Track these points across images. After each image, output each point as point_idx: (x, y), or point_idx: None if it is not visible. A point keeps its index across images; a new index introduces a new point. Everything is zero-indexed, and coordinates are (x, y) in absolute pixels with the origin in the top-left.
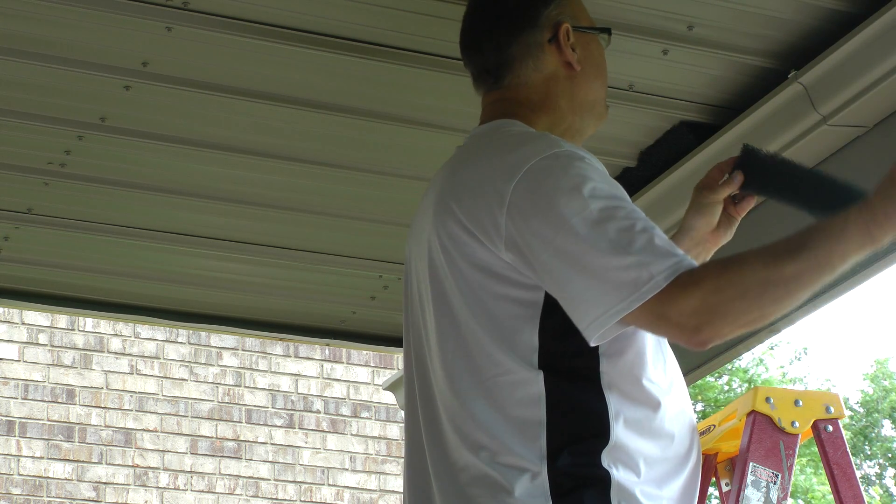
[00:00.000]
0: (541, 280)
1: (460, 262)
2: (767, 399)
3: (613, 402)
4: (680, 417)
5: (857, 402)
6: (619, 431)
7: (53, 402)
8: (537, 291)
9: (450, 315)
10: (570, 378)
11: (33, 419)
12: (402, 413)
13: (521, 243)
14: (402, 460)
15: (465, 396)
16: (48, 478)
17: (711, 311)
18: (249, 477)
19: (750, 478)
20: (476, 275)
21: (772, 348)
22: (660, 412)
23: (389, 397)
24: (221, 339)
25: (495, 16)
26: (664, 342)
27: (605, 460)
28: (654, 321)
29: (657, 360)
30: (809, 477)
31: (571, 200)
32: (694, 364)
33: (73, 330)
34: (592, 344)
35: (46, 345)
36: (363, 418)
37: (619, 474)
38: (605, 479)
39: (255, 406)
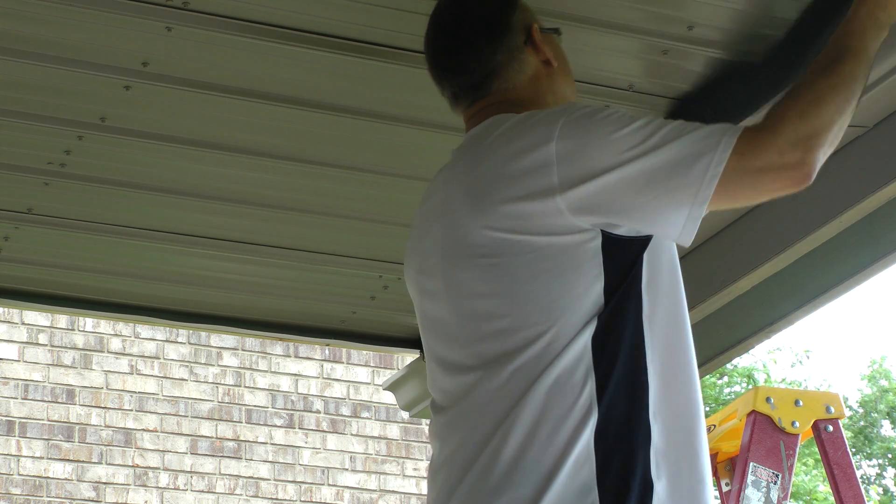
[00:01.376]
0: (619, 216)
1: (521, 238)
2: (768, 399)
3: (650, 355)
4: (695, 400)
5: (857, 402)
6: (654, 385)
7: (53, 402)
8: (594, 239)
9: (492, 298)
10: (620, 327)
11: (33, 419)
12: (402, 413)
13: (582, 191)
14: (430, 462)
15: (502, 378)
16: (48, 478)
17: (806, 136)
18: (249, 477)
19: (750, 478)
20: (538, 241)
21: (772, 351)
22: (683, 384)
23: (389, 397)
24: (221, 339)
25: (470, 32)
26: (687, 326)
27: (651, 413)
28: (758, 175)
29: (685, 331)
30: (815, 478)
31: (619, 129)
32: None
33: (73, 330)
34: (690, 237)
35: (46, 345)
36: (363, 418)
37: (657, 434)
38: (648, 435)
39: (255, 406)
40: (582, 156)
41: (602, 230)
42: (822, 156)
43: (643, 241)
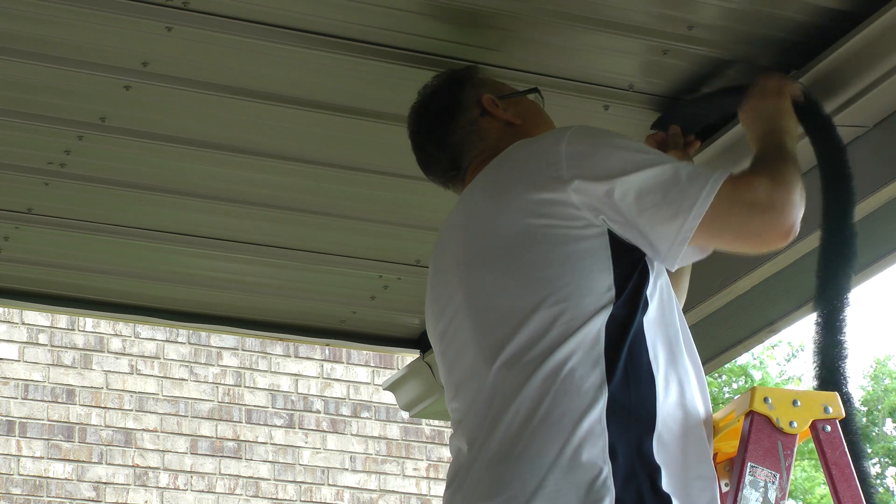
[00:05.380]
0: (619, 223)
1: (540, 228)
2: (766, 399)
3: (651, 350)
4: (690, 402)
5: (859, 401)
6: (659, 379)
7: (53, 402)
8: (602, 235)
9: (513, 288)
10: (629, 319)
11: (33, 419)
12: (402, 413)
13: (588, 189)
14: (449, 468)
15: (514, 364)
16: (48, 478)
17: (785, 183)
18: (249, 477)
19: (748, 478)
20: (555, 231)
21: (772, 348)
22: (683, 382)
23: (389, 397)
24: (221, 339)
25: (430, 124)
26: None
27: (657, 403)
28: (747, 208)
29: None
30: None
31: (623, 141)
32: None
33: (73, 330)
34: (676, 258)
35: (46, 345)
36: (363, 418)
37: (660, 423)
38: (653, 424)
39: (255, 406)
40: (590, 159)
41: (609, 230)
42: (800, 209)
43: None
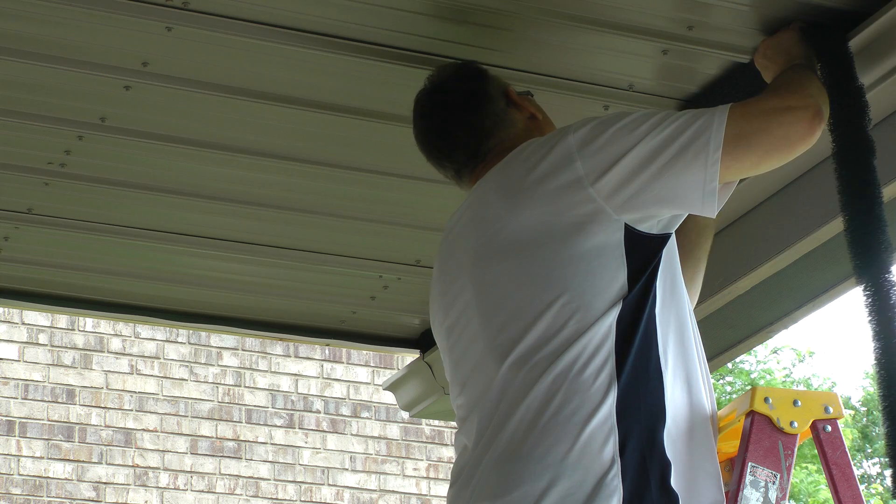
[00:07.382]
0: (646, 195)
1: (553, 227)
2: (766, 399)
3: (661, 346)
4: (697, 397)
5: (859, 401)
6: (667, 374)
7: (53, 402)
8: (617, 231)
9: (526, 287)
10: (639, 314)
11: (33, 419)
12: (402, 413)
13: (610, 178)
14: (454, 465)
15: (525, 362)
16: (48, 478)
17: (798, 87)
18: (249, 477)
19: (749, 478)
20: (569, 230)
21: (775, 352)
22: (689, 379)
23: (389, 397)
24: (221, 339)
25: (454, 109)
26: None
27: (666, 398)
28: (766, 116)
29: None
30: (798, 474)
31: (625, 117)
32: None
33: (73, 330)
34: (713, 202)
35: (46, 345)
36: (363, 418)
37: (670, 419)
38: (663, 418)
39: (255, 406)
40: (600, 144)
41: (626, 224)
42: (822, 102)
43: (661, 240)
